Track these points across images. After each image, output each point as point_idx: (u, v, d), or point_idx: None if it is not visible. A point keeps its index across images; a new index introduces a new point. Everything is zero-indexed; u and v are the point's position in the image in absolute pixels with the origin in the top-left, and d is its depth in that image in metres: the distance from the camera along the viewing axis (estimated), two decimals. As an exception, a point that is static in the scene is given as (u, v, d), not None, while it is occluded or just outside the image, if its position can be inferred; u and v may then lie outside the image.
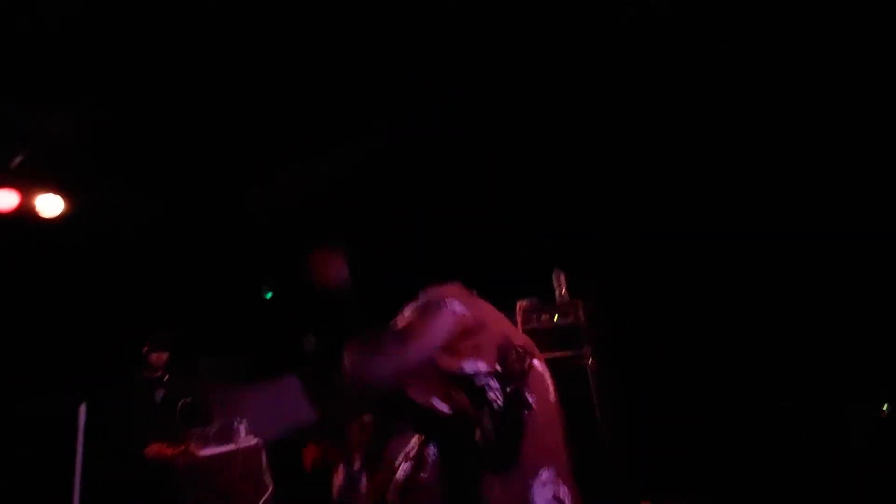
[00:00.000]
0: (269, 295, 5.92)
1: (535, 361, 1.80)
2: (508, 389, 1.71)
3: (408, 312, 1.97)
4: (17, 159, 3.95)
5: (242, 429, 3.76)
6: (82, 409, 3.42)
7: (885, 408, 2.72)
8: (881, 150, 3.03)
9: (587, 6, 3.32)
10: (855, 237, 3.05)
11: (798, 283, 3.23)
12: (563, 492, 1.67)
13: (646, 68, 3.54)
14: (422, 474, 1.76)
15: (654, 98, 3.62)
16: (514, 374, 1.73)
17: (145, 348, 3.81)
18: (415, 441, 1.86)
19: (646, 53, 3.48)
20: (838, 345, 3.07)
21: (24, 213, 3.99)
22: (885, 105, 2.99)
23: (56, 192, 4.13)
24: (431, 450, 1.78)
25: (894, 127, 2.97)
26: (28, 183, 4.02)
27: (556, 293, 3.61)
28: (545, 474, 1.65)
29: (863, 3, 2.92)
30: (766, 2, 3.10)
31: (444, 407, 1.75)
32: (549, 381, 1.81)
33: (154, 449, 3.49)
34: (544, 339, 3.40)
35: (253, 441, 3.77)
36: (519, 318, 3.48)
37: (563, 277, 3.62)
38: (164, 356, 3.88)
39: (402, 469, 1.83)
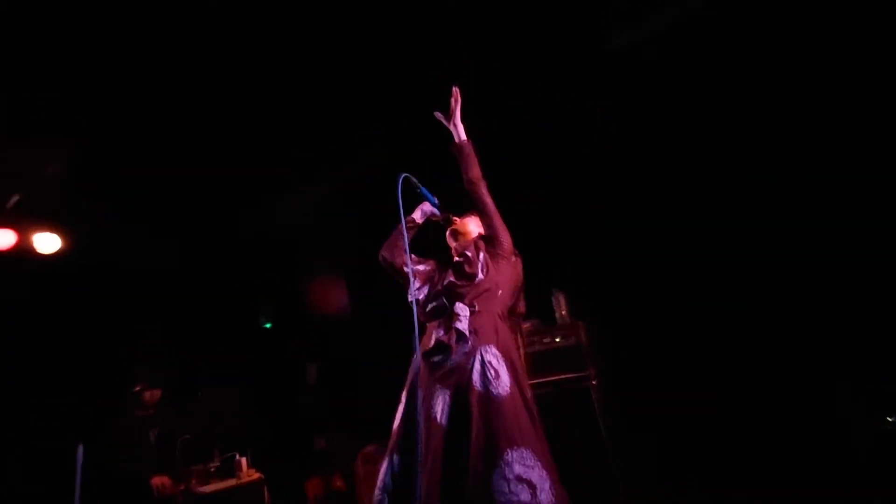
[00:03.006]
0: (267, 325, 5.89)
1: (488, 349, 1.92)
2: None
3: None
4: (14, 199, 3.97)
5: (244, 462, 3.71)
6: (80, 448, 3.38)
7: (891, 419, 2.71)
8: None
9: (574, 36, 3.42)
10: (851, 248, 3.09)
11: (797, 299, 3.26)
12: (536, 475, 1.67)
13: (637, 94, 3.63)
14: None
15: (647, 121, 3.69)
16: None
17: (138, 387, 3.75)
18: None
19: (636, 80, 3.57)
20: (840, 358, 3.08)
21: (22, 252, 3.99)
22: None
23: (52, 230, 4.14)
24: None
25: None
26: (25, 222, 4.03)
27: (557, 315, 3.62)
28: (511, 454, 1.68)
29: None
30: (751, 38, 3.22)
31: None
32: (506, 374, 1.87)
33: (156, 481, 3.42)
34: (548, 360, 3.40)
35: (255, 475, 3.71)
36: (522, 341, 3.48)
37: (563, 299, 3.63)
38: (158, 393, 3.82)
39: None
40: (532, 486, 1.64)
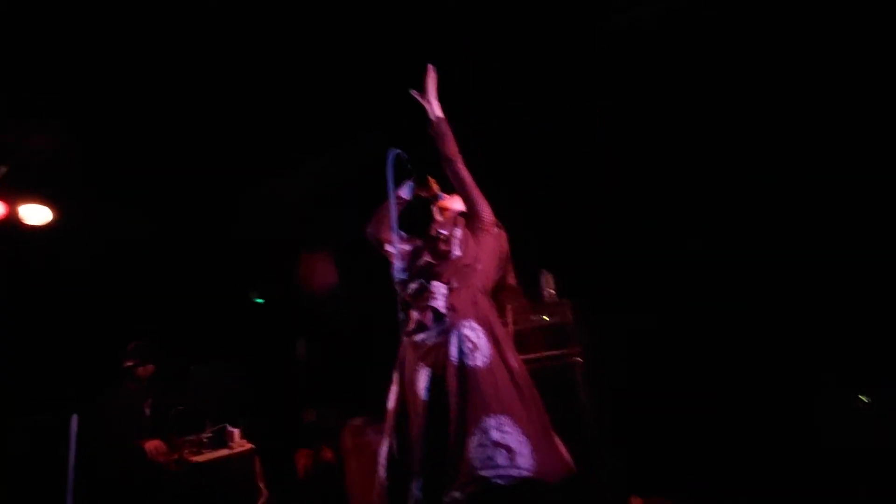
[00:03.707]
0: (259, 300, 5.92)
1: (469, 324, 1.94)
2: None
3: None
4: (2, 170, 3.93)
5: (236, 433, 3.78)
6: (74, 418, 3.42)
7: (864, 398, 2.81)
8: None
9: (573, 15, 3.41)
10: (829, 245, 3.17)
11: (778, 280, 3.34)
12: (514, 440, 1.69)
13: (631, 75, 3.64)
14: None
15: (638, 102, 3.71)
16: None
17: (130, 362, 3.78)
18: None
19: (632, 62, 3.57)
20: (820, 340, 3.16)
21: (11, 223, 3.97)
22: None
23: (42, 202, 4.11)
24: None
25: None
26: (14, 193, 3.99)
27: (544, 293, 3.68)
28: (488, 422, 1.71)
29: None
30: (748, 20, 3.22)
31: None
32: (486, 345, 1.90)
33: (150, 445, 3.48)
34: (534, 338, 3.47)
35: (247, 446, 3.79)
36: (509, 319, 3.54)
37: (550, 278, 3.69)
38: (151, 368, 3.86)
39: None
40: (510, 451, 1.67)
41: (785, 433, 3.18)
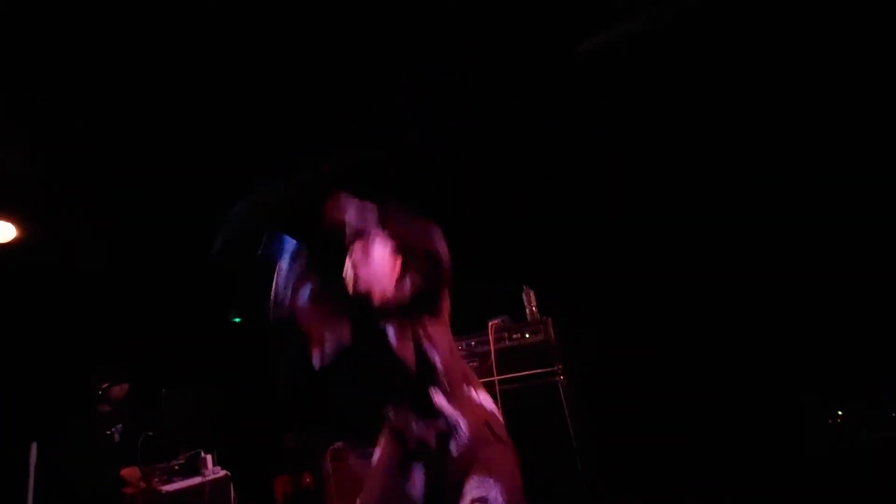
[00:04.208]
0: (236, 320, 5.77)
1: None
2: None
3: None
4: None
5: (209, 460, 3.64)
6: (33, 447, 3.27)
7: (839, 413, 2.83)
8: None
9: (542, 38, 3.43)
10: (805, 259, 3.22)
11: (757, 298, 3.37)
12: (487, 490, 1.71)
13: (606, 94, 3.68)
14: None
15: (616, 121, 3.75)
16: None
17: (105, 384, 3.66)
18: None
19: (605, 84, 3.61)
20: (795, 358, 3.20)
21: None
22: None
23: (6, 219, 3.97)
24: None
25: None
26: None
27: (527, 311, 3.66)
28: (468, 484, 1.73)
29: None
30: (721, 41, 3.29)
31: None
32: (470, 405, 1.86)
33: (127, 472, 3.38)
34: (516, 356, 3.44)
35: (221, 473, 3.65)
36: (491, 337, 3.50)
37: (532, 295, 3.67)
38: (126, 388, 3.75)
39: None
40: (485, 502, 1.69)
41: (770, 445, 3.19)
